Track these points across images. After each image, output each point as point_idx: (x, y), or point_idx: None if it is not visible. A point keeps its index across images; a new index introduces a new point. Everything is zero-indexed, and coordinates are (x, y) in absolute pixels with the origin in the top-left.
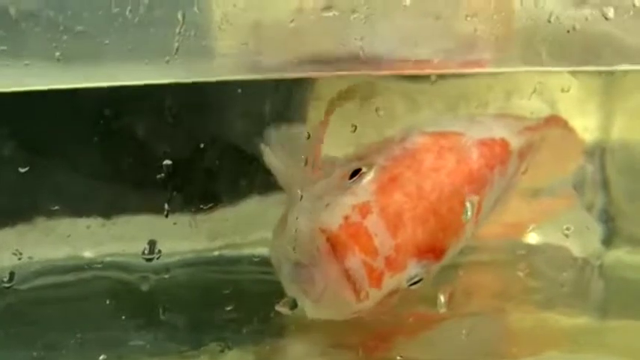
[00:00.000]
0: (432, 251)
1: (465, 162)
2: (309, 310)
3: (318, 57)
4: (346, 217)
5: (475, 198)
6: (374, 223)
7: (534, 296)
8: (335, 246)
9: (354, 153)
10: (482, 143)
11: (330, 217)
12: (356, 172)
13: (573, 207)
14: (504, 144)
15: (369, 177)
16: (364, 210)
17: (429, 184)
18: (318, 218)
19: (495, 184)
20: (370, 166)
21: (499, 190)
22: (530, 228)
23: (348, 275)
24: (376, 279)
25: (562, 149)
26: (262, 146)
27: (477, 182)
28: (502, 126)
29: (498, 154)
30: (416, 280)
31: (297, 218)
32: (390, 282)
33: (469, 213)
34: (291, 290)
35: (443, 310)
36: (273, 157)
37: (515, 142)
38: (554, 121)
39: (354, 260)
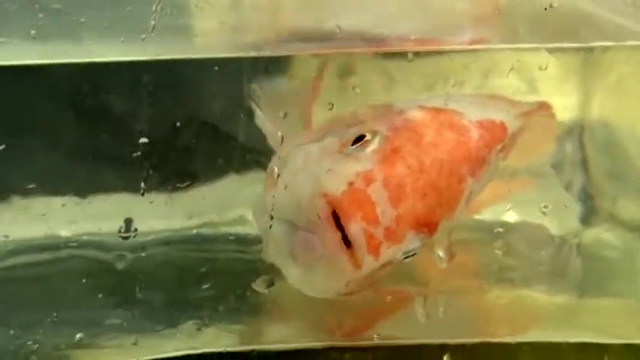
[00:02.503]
0: (428, 225)
1: (465, 141)
2: (298, 280)
3: (295, 35)
4: (350, 184)
5: (471, 178)
6: (377, 192)
7: (512, 274)
8: (337, 212)
9: (350, 116)
10: (483, 125)
11: (333, 182)
12: (358, 139)
13: (550, 189)
14: (503, 127)
15: (373, 145)
16: (368, 178)
17: (429, 159)
18: (320, 183)
19: (490, 167)
20: (374, 134)
21: (491, 172)
22: (507, 208)
23: (348, 242)
24: (375, 248)
25: (539, 132)
26: (252, 106)
27: (475, 162)
28: (500, 109)
29: (497, 137)
30: (411, 253)
31: (291, 183)
32: (387, 252)
33: (465, 191)
34: (277, 255)
35: (444, 265)
36: (262, 117)
37: (512, 126)
38: (545, 107)
39: (356, 227)
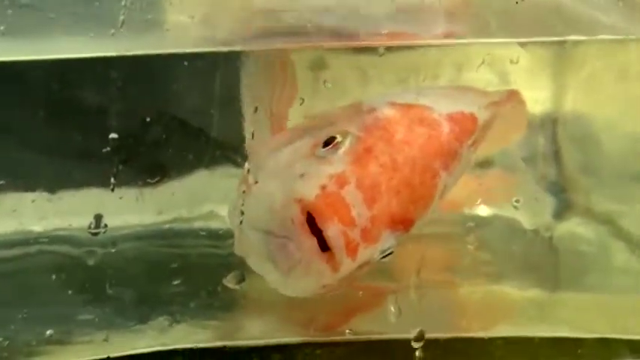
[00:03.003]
0: (404, 223)
1: (436, 136)
2: (277, 283)
3: (266, 30)
4: (323, 187)
5: (444, 172)
6: (351, 194)
7: (484, 269)
8: (313, 216)
9: (320, 118)
10: (453, 118)
11: (306, 187)
12: (329, 141)
13: (521, 182)
14: (473, 119)
15: (344, 147)
16: (341, 180)
17: (402, 157)
18: (293, 188)
19: (463, 158)
20: (345, 135)
21: (464, 164)
22: (478, 202)
23: (324, 246)
24: (352, 250)
25: (509, 120)
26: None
27: (447, 156)
28: (470, 100)
29: (467, 129)
30: (388, 252)
31: (265, 189)
32: (364, 253)
33: (439, 186)
34: (256, 262)
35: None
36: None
37: (482, 117)
38: (514, 95)
39: (333, 230)
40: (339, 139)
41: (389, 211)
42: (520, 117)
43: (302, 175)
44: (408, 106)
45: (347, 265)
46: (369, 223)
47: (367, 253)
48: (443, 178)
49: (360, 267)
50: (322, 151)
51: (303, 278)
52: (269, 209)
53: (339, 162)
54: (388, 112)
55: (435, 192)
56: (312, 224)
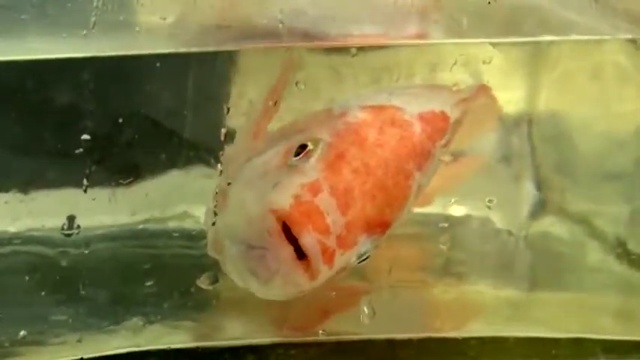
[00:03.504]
0: (380, 226)
1: (408, 137)
2: (257, 289)
3: (237, 31)
4: (297, 197)
5: (418, 173)
6: (325, 201)
7: (457, 269)
8: (288, 226)
9: (292, 125)
10: (424, 117)
11: (280, 196)
12: (300, 148)
13: (495, 182)
14: (445, 117)
15: (316, 155)
16: (314, 188)
17: (374, 160)
18: (267, 198)
19: (435, 157)
20: (316, 143)
21: (436, 161)
22: (453, 200)
23: (301, 255)
24: (329, 257)
25: (478, 114)
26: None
27: (420, 156)
28: (440, 99)
29: (439, 127)
30: (365, 257)
31: (240, 201)
32: (341, 259)
33: (413, 187)
34: (235, 272)
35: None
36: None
37: (454, 115)
38: (483, 90)
39: (309, 239)
40: (310, 146)
41: (364, 215)
42: (490, 111)
43: (275, 185)
44: (379, 109)
45: (324, 273)
46: (344, 230)
47: (344, 259)
48: (417, 178)
49: (338, 272)
50: (294, 160)
51: (281, 287)
52: (245, 220)
53: (311, 170)
54: (359, 115)
55: (410, 193)
56: (290, 233)
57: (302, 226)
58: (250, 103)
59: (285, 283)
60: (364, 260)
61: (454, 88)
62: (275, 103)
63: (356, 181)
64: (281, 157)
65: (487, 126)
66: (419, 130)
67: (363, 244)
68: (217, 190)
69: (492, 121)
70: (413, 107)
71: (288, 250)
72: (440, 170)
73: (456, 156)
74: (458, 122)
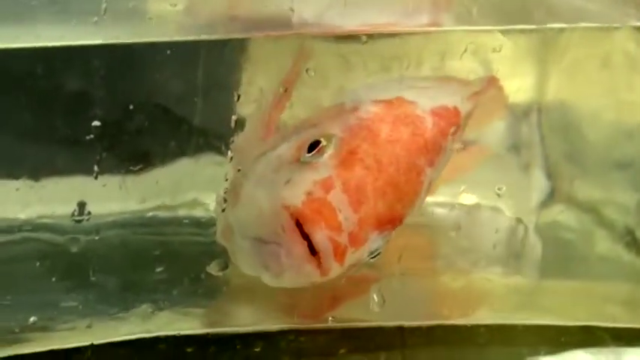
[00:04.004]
0: (391, 222)
1: (420, 133)
2: (269, 280)
3: (248, 18)
4: (309, 193)
5: (429, 168)
6: (337, 198)
7: (466, 257)
8: (300, 222)
9: (306, 119)
10: (436, 112)
11: (293, 193)
12: (314, 145)
13: (504, 170)
14: (456, 112)
15: (329, 151)
16: (327, 185)
17: (386, 157)
18: (280, 195)
19: (447, 152)
20: (329, 138)
21: (448, 156)
22: (462, 188)
23: (313, 252)
24: (340, 255)
25: (486, 105)
26: None
27: (432, 152)
28: (452, 93)
29: (451, 122)
30: (376, 253)
31: (253, 196)
32: (352, 257)
33: (425, 182)
34: (245, 265)
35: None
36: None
37: (465, 109)
38: (493, 82)
39: (321, 236)
40: (323, 143)
41: (376, 212)
42: (498, 102)
43: (288, 182)
44: (391, 103)
45: (335, 270)
46: (356, 227)
47: (355, 256)
48: (428, 174)
49: (349, 268)
50: (307, 156)
51: (293, 281)
52: (257, 216)
53: (324, 167)
54: (371, 110)
55: (421, 189)
56: (302, 229)
57: (314, 223)
58: (261, 92)
59: (297, 278)
60: (376, 256)
61: (466, 80)
62: (287, 92)
63: (368, 178)
64: (293, 152)
65: (495, 116)
66: (431, 125)
67: (375, 240)
68: (228, 183)
69: (500, 111)
70: (425, 102)
71: (301, 247)
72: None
73: (465, 145)
74: (469, 116)
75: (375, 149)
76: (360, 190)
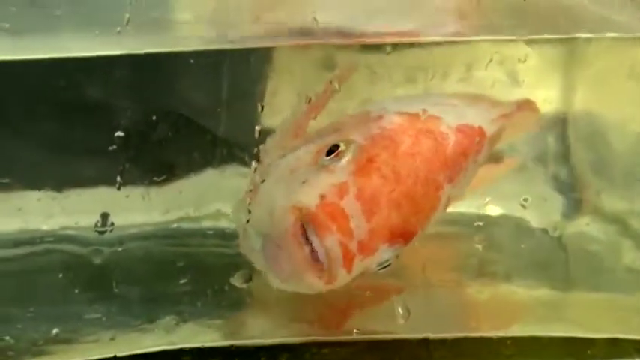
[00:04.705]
0: (404, 236)
1: (442, 149)
2: (277, 283)
3: (272, 28)
4: (322, 197)
5: (448, 185)
6: (351, 205)
7: (492, 268)
8: (312, 225)
9: (330, 124)
10: (461, 131)
11: (306, 195)
12: (333, 149)
13: (530, 181)
14: (482, 132)
15: (347, 156)
16: (341, 190)
17: (405, 169)
18: (293, 195)
19: (469, 171)
20: (348, 144)
21: (470, 175)
22: (487, 199)
23: (319, 256)
24: (348, 262)
25: (519, 123)
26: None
27: (452, 170)
28: (479, 113)
29: (475, 142)
30: (386, 264)
31: (268, 194)
32: (360, 265)
33: (442, 199)
34: (258, 263)
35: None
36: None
37: (491, 130)
38: (526, 105)
39: (329, 241)
40: (342, 147)
41: (388, 224)
42: (531, 122)
43: (303, 183)
44: (416, 116)
45: (342, 277)
46: (366, 236)
47: (363, 264)
48: (446, 190)
49: (356, 277)
50: (325, 159)
51: (298, 286)
52: (269, 213)
53: (341, 171)
54: (395, 121)
55: (438, 205)
56: (305, 235)
57: (324, 227)
58: (298, 97)
59: (301, 283)
60: (385, 267)
61: (496, 101)
62: (320, 102)
63: (384, 188)
64: (313, 155)
65: (524, 130)
66: (454, 142)
67: (385, 252)
68: (250, 183)
69: (530, 127)
70: (451, 118)
71: (301, 252)
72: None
73: (493, 157)
74: (495, 138)
75: (394, 160)
76: (374, 199)
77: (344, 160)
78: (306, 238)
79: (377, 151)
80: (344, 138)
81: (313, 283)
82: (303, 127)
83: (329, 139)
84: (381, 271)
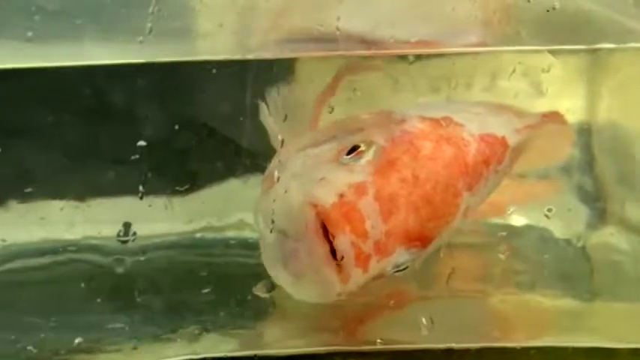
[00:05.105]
0: (421, 240)
1: (462, 155)
2: (290, 288)
3: (295, 37)
4: (341, 195)
5: (467, 193)
6: (368, 205)
7: (516, 278)
8: (326, 223)
9: (352, 121)
10: (484, 139)
11: (324, 192)
12: (354, 148)
13: (558, 190)
14: (504, 143)
15: (367, 157)
16: (360, 190)
17: (425, 173)
18: (310, 191)
19: (489, 180)
20: (369, 145)
21: (491, 185)
22: (512, 209)
23: (334, 255)
24: (363, 262)
25: (552, 139)
26: (261, 105)
27: (472, 177)
28: (503, 123)
29: (497, 152)
30: (402, 267)
31: (286, 189)
32: (375, 266)
33: (461, 206)
34: (271, 262)
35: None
36: (268, 114)
37: (514, 140)
38: (553, 117)
39: (344, 240)
40: (362, 147)
41: (405, 226)
42: (565, 136)
43: (321, 180)
44: (438, 122)
45: (357, 277)
46: (382, 237)
47: (379, 266)
48: (465, 198)
49: (374, 279)
50: (346, 158)
51: (312, 285)
52: (286, 209)
53: (360, 171)
54: (417, 125)
55: (456, 211)
56: (326, 231)
57: (339, 226)
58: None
59: (315, 281)
60: (401, 270)
61: (521, 111)
62: (331, 88)
63: (402, 191)
64: (333, 153)
65: (560, 153)
66: (475, 150)
67: (401, 254)
68: (267, 172)
69: (565, 148)
70: (473, 126)
71: (321, 248)
72: (522, 185)
73: (539, 177)
74: (518, 149)
75: (414, 163)
76: (392, 200)
77: (363, 160)
78: (326, 235)
79: (397, 154)
80: (365, 138)
81: (329, 281)
82: (318, 113)
83: (350, 139)
84: (397, 274)
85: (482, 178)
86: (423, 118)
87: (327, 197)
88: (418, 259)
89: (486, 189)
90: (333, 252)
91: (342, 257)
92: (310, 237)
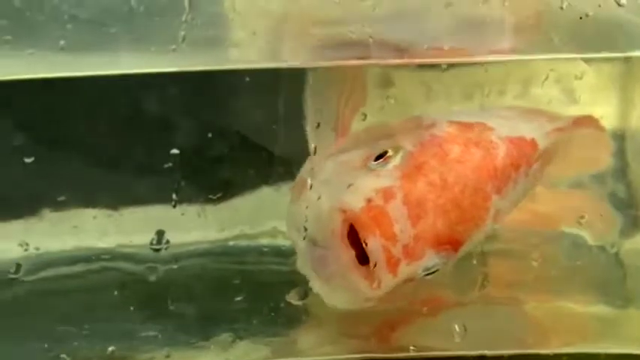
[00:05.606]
0: (451, 243)
1: (491, 158)
2: (322, 292)
3: (327, 46)
4: (369, 200)
5: (496, 196)
6: (396, 209)
7: (549, 285)
8: (355, 227)
9: (381, 128)
10: (512, 142)
11: (353, 198)
12: (381, 154)
13: (587, 198)
14: (534, 145)
15: (395, 162)
16: (388, 195)
17: (453, 176)
18: (338, 198)
19: (519, 184)
20: (397, 150)
21: (522, 189)
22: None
23: (363, 259)
24: (393, 266)
25: (591, 146)
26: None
27: (501, 180)
28: (534, 126)
29: (526, 154)
30: (432, 270)
31: (316, 196)
32: (405, 270)
33: (490, 209)
34: (303, 267)
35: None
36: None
37: (544, 144)
38: (585, 121)
39: (374, 244)
40: (390, 153)
41: (434, 230)
42: (603, 142)
43: (350, 186)
44: (467, 126)
45: (387, 280)
46: (412, 241)
47: (409, 270)
48: (495, 201)
49: (404, 283)
50: (373, 163)
51: (342, 290)
52: (315, 216)
53: (388, 176)
54: (445, 129)
55: (486, 215)
56: (356, 237)
57: (369, 230)
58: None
59: (345, 286)
60: (431, 274)
61: (553, 115)
62: (360, 96)
63: (431, 195)
64: (361, 159)
65: (600, 160)
66: (504, 153)
67: (431, 258)
68: (297, 178)
69: (605, 155)
70: (503, 129)
71: (348, 254)
72: (563, 199)
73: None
74: (549, 151)
75: (442, 167)
76: (420, 204)
77: (391, 165)
78: (355, 241)
79: (425, 158)
80: (393, 144)
81: (359, 286)
82: (348, 120)
83: (378, 145)
84: (428, 277)
85: (512, 182)
86: (451, 122)
87: (354, 202)
88: (449, 262)
89: (516, 193)
90: (360, 257)
91: (372, 261)
92: (337, 242)
